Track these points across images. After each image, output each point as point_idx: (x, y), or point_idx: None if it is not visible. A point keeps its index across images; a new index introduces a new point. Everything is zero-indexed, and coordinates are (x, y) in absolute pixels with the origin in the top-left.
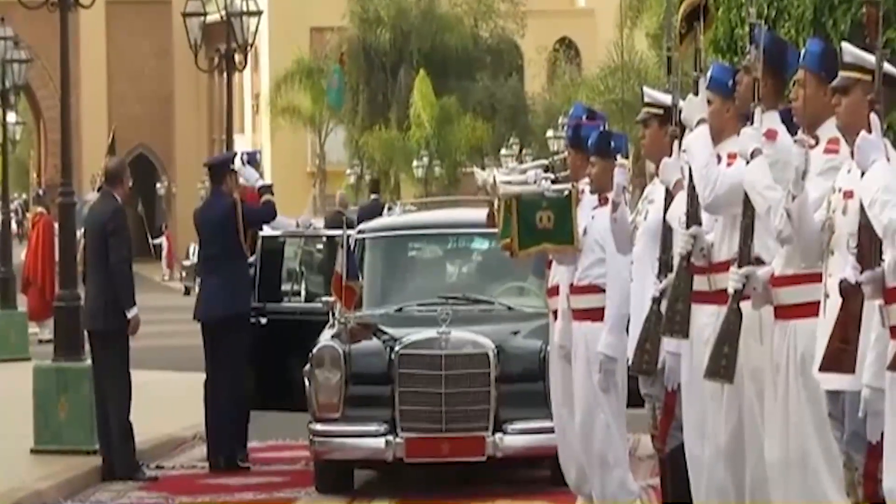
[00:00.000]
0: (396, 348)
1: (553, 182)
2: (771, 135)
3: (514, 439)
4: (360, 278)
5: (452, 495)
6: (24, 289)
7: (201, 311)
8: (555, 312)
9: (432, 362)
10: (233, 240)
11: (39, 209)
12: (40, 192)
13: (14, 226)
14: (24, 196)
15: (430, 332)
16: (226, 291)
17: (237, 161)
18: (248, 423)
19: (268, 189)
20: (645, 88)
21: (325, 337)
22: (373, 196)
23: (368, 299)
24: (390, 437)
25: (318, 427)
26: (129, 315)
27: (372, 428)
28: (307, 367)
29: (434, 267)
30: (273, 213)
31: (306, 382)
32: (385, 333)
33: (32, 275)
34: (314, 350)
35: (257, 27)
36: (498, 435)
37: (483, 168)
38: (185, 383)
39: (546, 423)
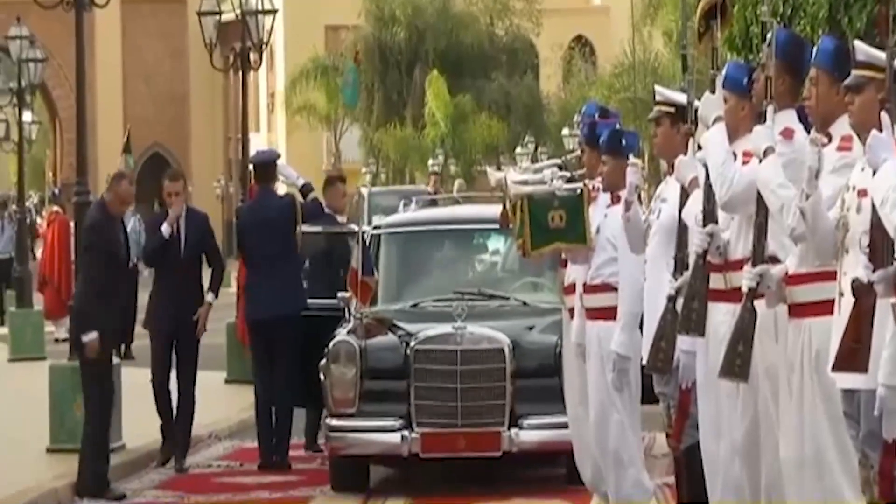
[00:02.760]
0: (412, 344)
1: (569, 181)
2: (787, 133)
3: (530, 434)
4: (376, 274)
5: (468, 493)
6: (40, 288)
7: (260, 311)
8: (571, 311)
9: (448, 358)
10: (291, 238)
11: (55, 208)
12: (56, 191)
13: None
14: (38, 195)
15: (445, 328)
16: (289, 290)
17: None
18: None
19: (310, 187)
20: (657, 87)
21: (341, 332)
22: (430, 190)
23: (384, 295)
24: (406, 433)
25: (334, 422)
26: (84, 339)
27: (387, 423)
28: (323, 362)
29: (449, 262)
30: (322, 211)
31: (322, 378)
32: (400, 329)
33: (48, 274)
34: (330, 345)
35: (272, 26)
36: (513, 430)
37: (498, 167)
38: (201, 382)
39: (561, 419)
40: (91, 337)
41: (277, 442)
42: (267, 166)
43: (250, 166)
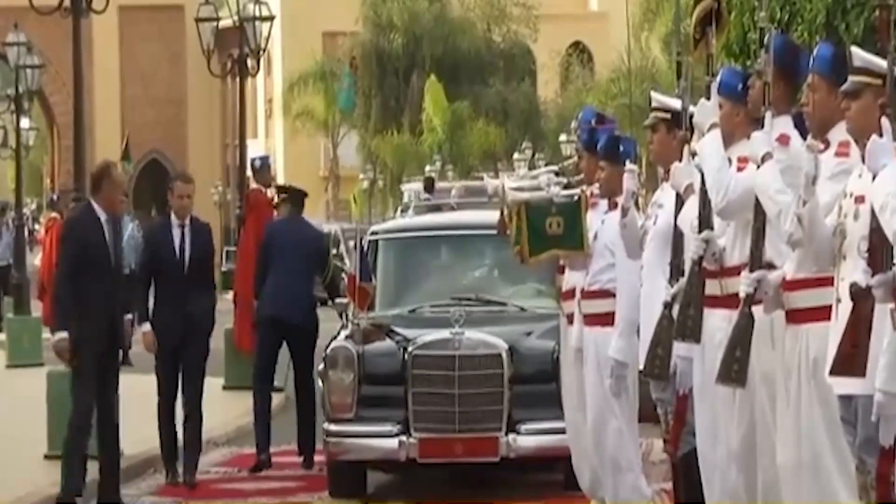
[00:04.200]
0: (410, 349)
1: (566, 187)
2: (783, 139)
3: (528, 440)
4: (374, 280)
5: (465, 499)
6: (39, 295)
7: (280, 309)
8: (568, 316)
9: (445, 363)
10: (317, 265)
11: (53, 214)
12: (54, 197)
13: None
14: (35, 201)
15: (443, 333)
16: (311, 305)
17: None
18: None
19: None
20: (653, 93)
21: (339, 338)
22: (425, 196)
23: (381, 301)
24: (403, 438)
25: (332, 427)
26: (53, 339)
27: (385, 428)
28: (321, 367)
29: (447, 268)
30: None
31: (319, 383)
32: (398, 334)
33: (47, 280)
34: (328, 350)
35: (269, 32)
36: (511, 435)
37: (496, 174)
38: None
39: (559, 424)
40: (60, 336)
41: (308, 446)
42: (300, 196)
43: (272, 193)
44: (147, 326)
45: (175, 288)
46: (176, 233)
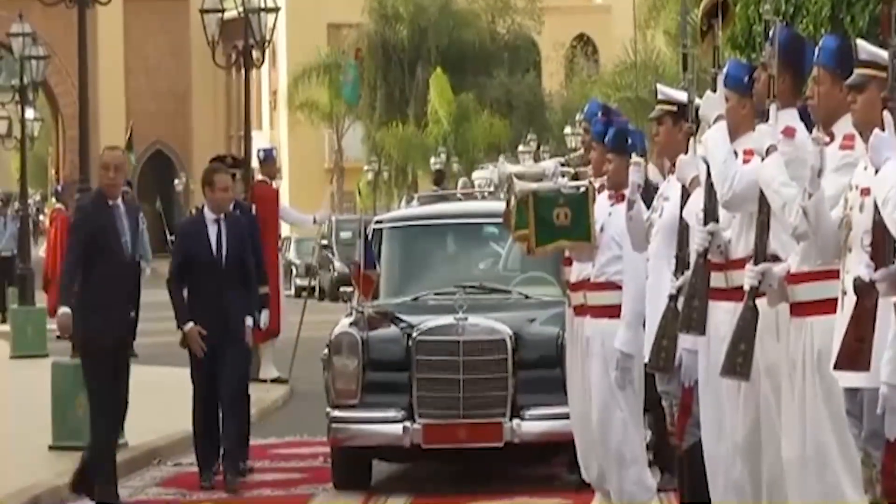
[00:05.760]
0: (414, 335)
1: (573, 178)
2: (788, 132)
3: (532, 425)
4: (378, 268)
5: (470, 491)
6: (44, 286)
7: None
8: (575, 308)
9: (449, 349)
10: None
11: (58, 206)
12: (58, 188)
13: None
14: (40, 192)
15: (447, 319)
16: None
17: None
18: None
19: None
20: (659, 86)
21: (343, 324)
22: (434, 188)
23: (386, 289)
24: (408, 424)
25: (336, 413)
26: (58, 313)
27: (390, 414)
28: (325, 353)
29: (451, 256)
30: None
31: (324, 370)
32: (402, 321)
33: (52, 272)
34: (332, 337)
35: (275, 23)
36: (515, 421)
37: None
38: None
39: (563, 410)
40: (63, 311)
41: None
42: None
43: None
44: (190, 325)
45: (213, 285)
46: (212, 228)
